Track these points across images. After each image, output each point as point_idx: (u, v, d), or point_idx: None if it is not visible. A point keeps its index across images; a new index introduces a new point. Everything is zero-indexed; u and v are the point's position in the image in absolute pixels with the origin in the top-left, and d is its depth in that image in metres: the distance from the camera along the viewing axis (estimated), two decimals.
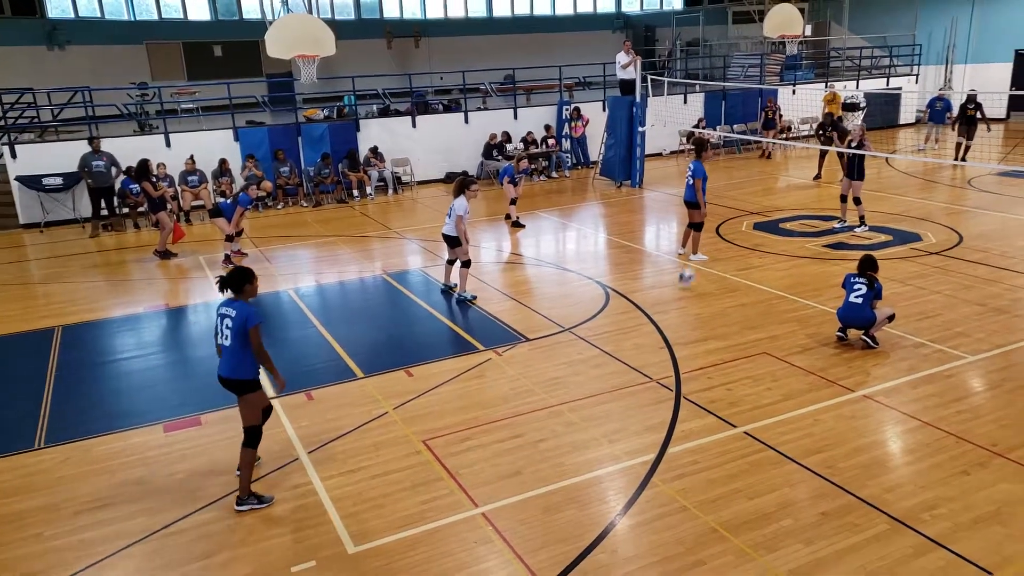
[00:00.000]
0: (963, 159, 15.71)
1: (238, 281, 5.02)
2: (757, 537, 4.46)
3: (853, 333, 7.19)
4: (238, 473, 5.08)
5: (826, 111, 18.62)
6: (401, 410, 6.29)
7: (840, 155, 14.83)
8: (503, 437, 5.76)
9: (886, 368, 6.64)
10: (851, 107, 19.77)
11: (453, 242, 8.95)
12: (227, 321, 4.96)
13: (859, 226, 11.14)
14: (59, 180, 14.14)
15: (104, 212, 13.73)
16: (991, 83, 20.02)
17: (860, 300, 6.97)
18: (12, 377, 7.48)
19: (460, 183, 8.97)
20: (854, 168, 11.00)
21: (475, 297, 8.99)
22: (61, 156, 14.06)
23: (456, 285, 9.18)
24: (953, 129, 16.93)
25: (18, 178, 14.03)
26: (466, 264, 8.99)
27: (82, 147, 13.80)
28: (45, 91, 16.32)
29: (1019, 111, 22.75)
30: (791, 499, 4.81)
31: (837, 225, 11.45)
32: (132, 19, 23.47)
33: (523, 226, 12.69)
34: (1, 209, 14.55)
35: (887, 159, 17.30)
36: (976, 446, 5.28)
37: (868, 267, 7.10)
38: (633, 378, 6.69)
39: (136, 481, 5.42)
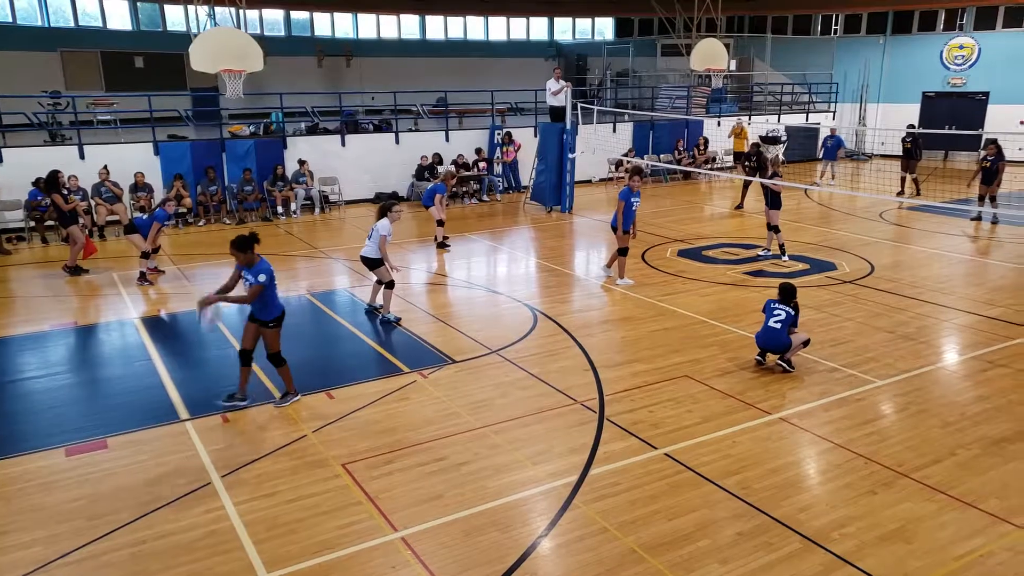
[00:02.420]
0: (916, 192, 16.52)
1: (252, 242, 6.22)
2: (675, 558, 4.50)
3: (770, 357, 7.44)
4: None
5: (733, 146, 19.51)
6: (320, 433, 6.11)
7: (764, 186, 15.56)
8: (425, 460, 5.66)
9: (801, 392, 6.89)
10: (772, 140, 20.70)
11: (372, 264, 8.85)
12: None
13: (782, 255, 11.60)
14: None
15: None
16: (901, 122, 21.35)
17: (779, 325, 7.23)
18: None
19: (383, 206, 8.96)
20: (768, 198, 11.51)
21: (399, 319, 8.88)
22: None
23: (381, 306, 9.05)
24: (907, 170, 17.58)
25: None
26: (389, 285, 8.88)
27: None
28: None
29: (928, 149, 24.36)
30: (709, 519, 4.90)
31: (761, 252, 11.90)
32: (47, 25, 22.43)
33: (448, 247, 12.65)
34: None
35: (806, 191, 18.16)
36: (883, 467, 5.51)
37: (789, 295, 7.38)
38: (558, 400, 6.71)
39: (34, 508, 5.06)
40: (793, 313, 7.32)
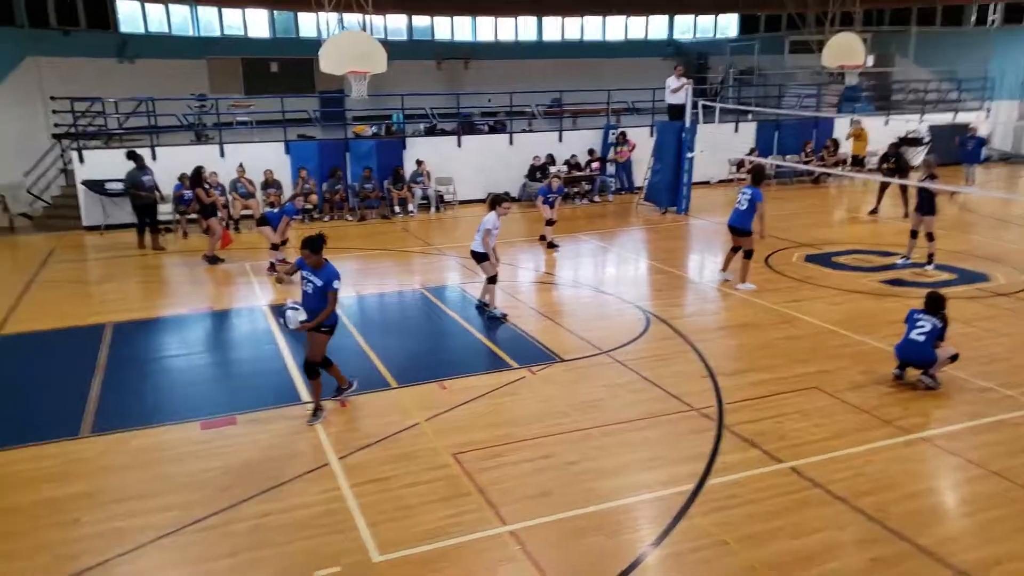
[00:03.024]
0: None
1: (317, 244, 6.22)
2: None
3: (911, 372, 6.81)
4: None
5: (852, 149, 18.11)
6: (433, 422, 6.16)
7: (903, 190, 14.42)
8: (534, 456, 5.57)
9: (947, 411, 6.26)
10: (913, 142, 19.18)
11: (479, 258, 8.88)
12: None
13: (927, 264, 10.66)
14: (120, 185, 14.57)
15: (148, 223, 13.80)
16: None
17: (923, 338, 6.61)
18: (63, 369, 7.63)
19: (493, 199, 8.94)
20: (925, 203, 10.53)
21: (505, 315, 8.86)
22: (124, 163, 14.48)
23: (488, 302, 9.08)
24: None
25: (84, 182, 14.52)
26: (492, 280, 8.88)
27: (144, 155, 14.09)
28: (113, 100, 16.95)
29: None
30: (838, 541, 4.51)
31: (900, 261, 10.99)
32: (196, 35, 24.32)
33: (557, 247, 12.54)
34: (66, 211, 15.07)
35: (951, 195, 16.68)
36: None
37: (937, 305, 6.73)
38: (673, 406, 6.44)
39: (171, 475, 5.41)
40: (940, 325, 6.66)
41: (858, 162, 18.06)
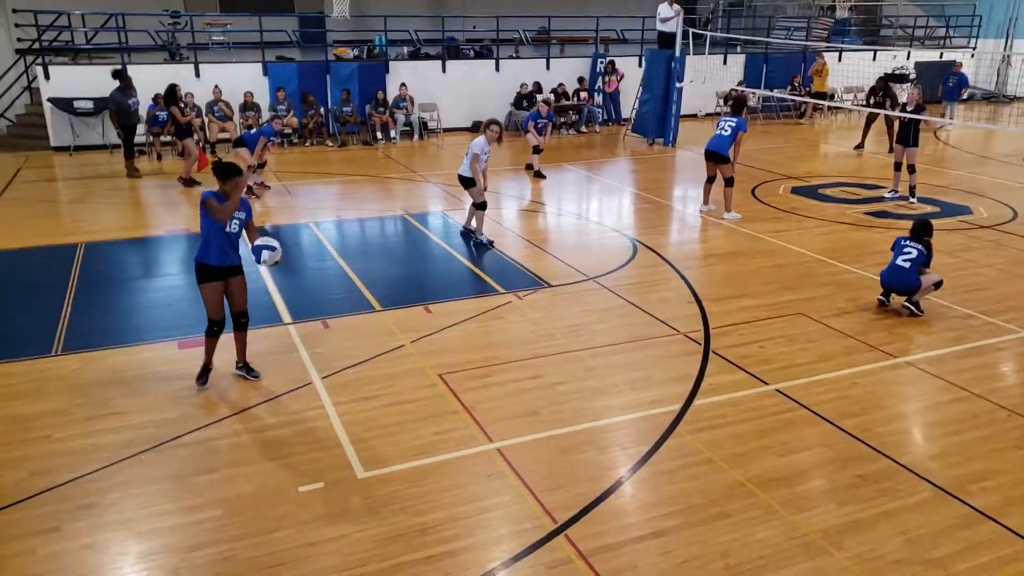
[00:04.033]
0: None
1: (220, 172, 5.18)
2: (787, 495, 4.20)
3: (895, 299, 6.82)
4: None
5: (814, 86, 17.83)
6: (418, 344, 6.08)
7: (889, 123, 14.27)
8: (521, 377, 5.53)
9: (931, 337, 6.29)
10: (900, 78, 18.93)
11: (466, 183, 8.66)
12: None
13: (910, 196, 10.62)
14: (90, 104, 13.93)
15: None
16: None
17: (908, 264, 6.59)
18: (35, 287, 7.40)
19: (484, 124, 8.67)
20: (910, 134, 10.41)
21: (492, 241, 8.71)
22: (93, 81, 13.81)
23: (476, 228, 8.91)
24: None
25: (50, 99, 13.86)
26: (480, 207, 8.69)
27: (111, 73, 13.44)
28: (80, 13, 16.05)
29: None
30: (825, 459, 4.54)
31: (888, 194, 10.92)
32: None
33: (544, 177, 12.30)
34: (33, 131, 14.43)
35: (935, 132, 16.59)
36: None
37: (923, 232, 6.70)
38: (660, 330, 6.40)
39: (147, 393, 5.29)
40: (926, 252, 6.64)
41: (820, 98, 17.82)
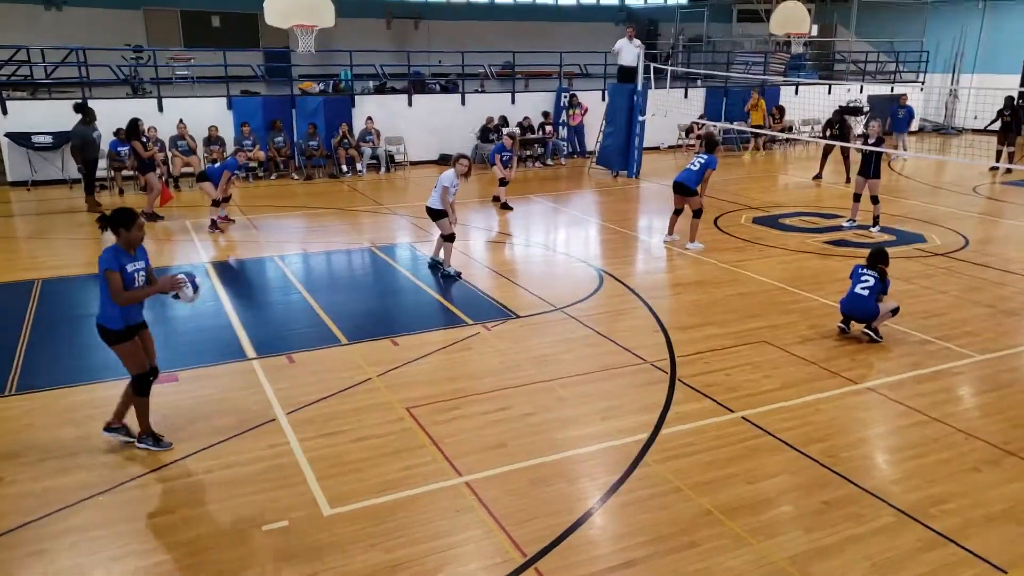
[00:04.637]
0: (1008, 165, 14.94)
1: (115, 221, 4.68)
2: (754, 522, 4.22)
3: (855, 326, 6.97)
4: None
5: (751, 120, 18.46)
6: (385, 377, 6.02)
7: (845, 154, 14.74)
8: (490, 409, 5.50)
9: (890, 363, 6.43)
10: (854, 111, 19.62)
11: (435, 215, 8.72)
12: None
13: (872, 226, 10.92)
14: (49, 139, 13.71)
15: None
16: (998, 93, 19.85)
17: (866, 292, 6.76)
18: None
19: (454, 158, 8.83)
20: (871, 166, 10.75)
21: (459, 273, 8.72)
22: (52, 115, 13.62)
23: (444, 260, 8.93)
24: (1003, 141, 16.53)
25: (7, 135, 13.61)
26: (449, 239, 8.73)
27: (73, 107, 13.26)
28: (39, 48, 15.87)
29: None
30: (791, 486, 4.58)
31: (846, 224, 11.22)
32: None
33: (511, 208, 12.41)
34: None
35: (888, 163, 17.15)
36: (988, 443, 5.05)
37: (879, 260, 6.89)
38: (627, 359, 6.44)
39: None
40: (881, 280, 6.83)
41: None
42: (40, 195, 13.30)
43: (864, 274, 6.87)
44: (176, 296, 4.97)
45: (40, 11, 21.13)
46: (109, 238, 4.80)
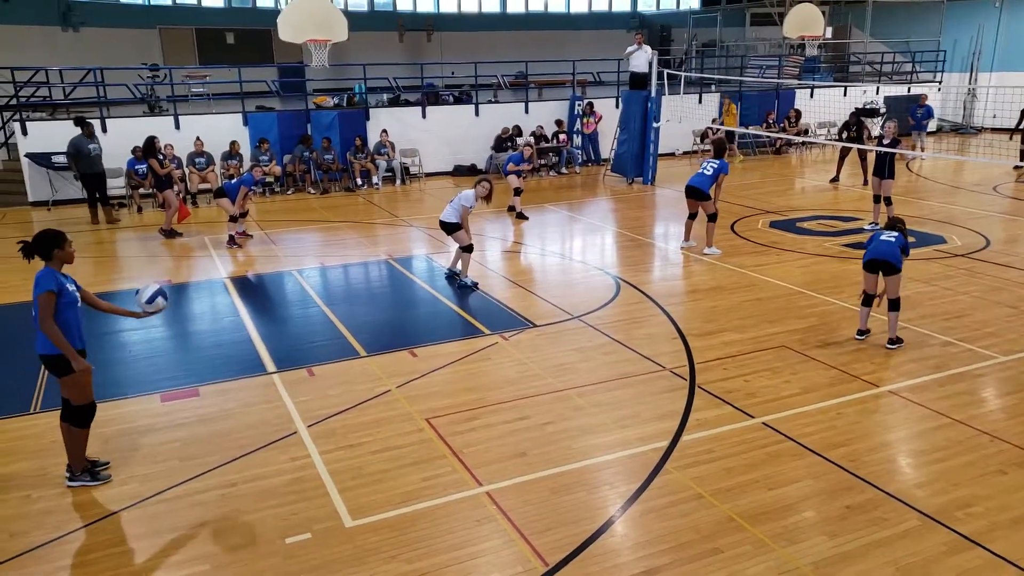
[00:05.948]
0: None
1: (42, 245, 4.52)
2: (777, 528, 4.19)
3: (871, 337, 6.83)
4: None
5: (721, 122, 18.37)
6: (404, 389, 6.05)
7: (863, 156, 14.63)
8: (509, 418, 5.51)
9: (912, 365, 6.36)
10: (871, 112, 19.46)
11: (449, 228, 8.85)
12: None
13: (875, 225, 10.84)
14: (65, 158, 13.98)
15: (98, 198, 13.19)
16: (1017, 91, 19.58)
17: (892, 239, 6.58)
18: (15, 344, 7.29)
19: (477, 180, 9.08)
20: (885, 167, 10.67)
21: (476, 284, 8.76)
22: (71, 135, 13.84)
23: (460, 271, 8.98)
24: (1011, 138, 16.47)
25: (28, 155, 13.88)
26: (467, 249, 8.81)
27: (94, 126, 13.52)
28: (57, 69, 16.20)
29: None
30: (813, 491, 4.55)
31: (868, 226, 11.12)
32: (146, 3, 23.38)
33: (526, 218, 12.44)
34: (11, 186, 14.39)
35: (907, 164, 17.00)
36: (1014, 446, 4.99)
37: (898, 223, 6.80)
38: (645, 366, 6.43)
39: (130, 448, 5.20)
40: (904, 240, 6.64)
41: (730, 135, 18.26)
42: (60, 214, 13.53)
43: (886, 234, 6.70)
44: (156, 296, 5.01)
45: (57, 32, 21.59)
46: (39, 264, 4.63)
